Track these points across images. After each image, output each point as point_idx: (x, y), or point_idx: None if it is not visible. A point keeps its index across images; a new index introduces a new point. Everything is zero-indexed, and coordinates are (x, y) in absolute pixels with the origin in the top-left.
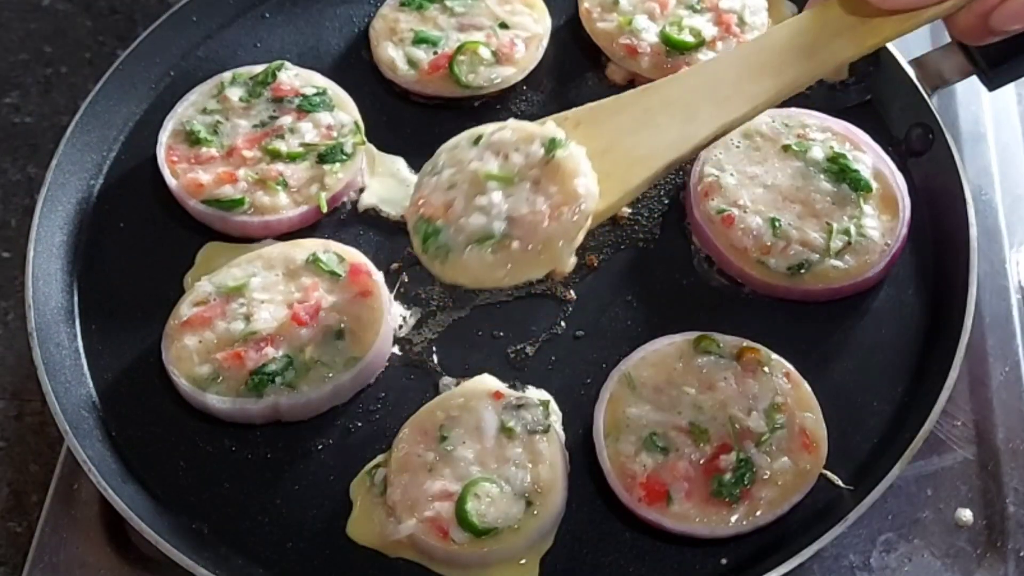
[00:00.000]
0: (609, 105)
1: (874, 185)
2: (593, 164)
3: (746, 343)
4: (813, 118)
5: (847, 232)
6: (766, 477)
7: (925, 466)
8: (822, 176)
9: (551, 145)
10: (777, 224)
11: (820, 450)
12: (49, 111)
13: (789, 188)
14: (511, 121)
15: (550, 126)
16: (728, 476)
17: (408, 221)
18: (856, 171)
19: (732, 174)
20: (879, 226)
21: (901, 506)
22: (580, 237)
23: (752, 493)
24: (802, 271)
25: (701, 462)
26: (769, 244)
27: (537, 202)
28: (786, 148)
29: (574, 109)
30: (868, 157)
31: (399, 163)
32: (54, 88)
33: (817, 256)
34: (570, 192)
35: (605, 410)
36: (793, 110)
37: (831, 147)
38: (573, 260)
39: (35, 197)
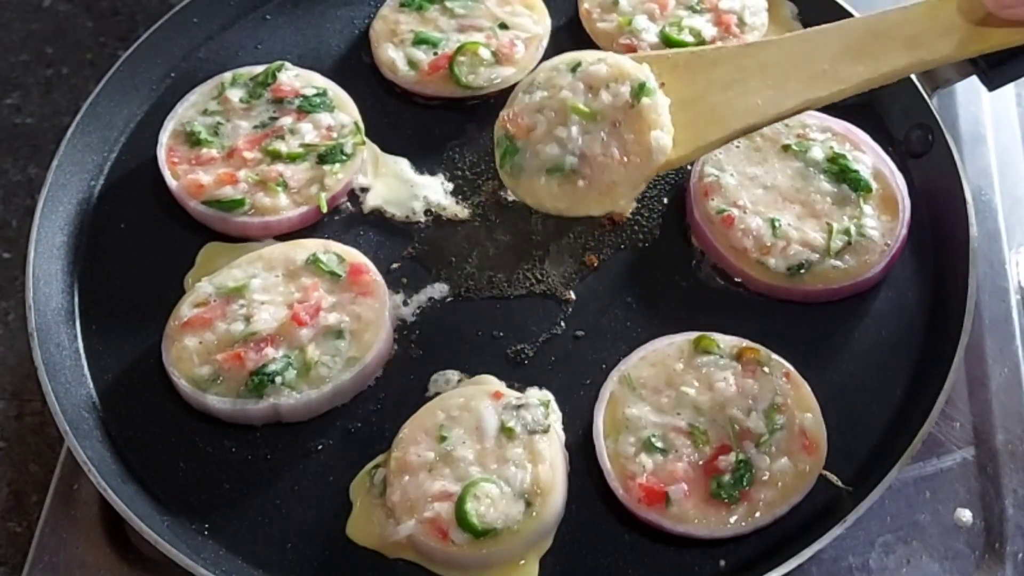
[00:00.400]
0: (709, 55)
1: (874, 185)
2: (676, 113)
3: (746, 343)
4: (813, 118)
5: (847, 232)
6: (765, 478)
7: (924, 468)
8: (822, 176)
9: (639, 91)
10: (777, 224)
11: (820, 451)
12: (50, 112)
13: (789, 188)
14: (610, 55)
15: (645, 68)
16: (727, 477)
17: (495, 133)
18: (856, 171)
19: (732, 174)
20: (879, 226)
21: (900, 508)
22: (642, 187)
23: (751, 494)
24: (802, 271)
25: (700, 463)
26: (769, 244)
27: (611, 146)
28: (786, 148)
29: (676, 50)
30: (868, 157)
31: (403, 163)
32: (55, 89)
33: (817, 256)
34: (644, 143)
35: (605, 411)
36: None
37: (831, 147)
38: (632, 205)
39: (36, 198)
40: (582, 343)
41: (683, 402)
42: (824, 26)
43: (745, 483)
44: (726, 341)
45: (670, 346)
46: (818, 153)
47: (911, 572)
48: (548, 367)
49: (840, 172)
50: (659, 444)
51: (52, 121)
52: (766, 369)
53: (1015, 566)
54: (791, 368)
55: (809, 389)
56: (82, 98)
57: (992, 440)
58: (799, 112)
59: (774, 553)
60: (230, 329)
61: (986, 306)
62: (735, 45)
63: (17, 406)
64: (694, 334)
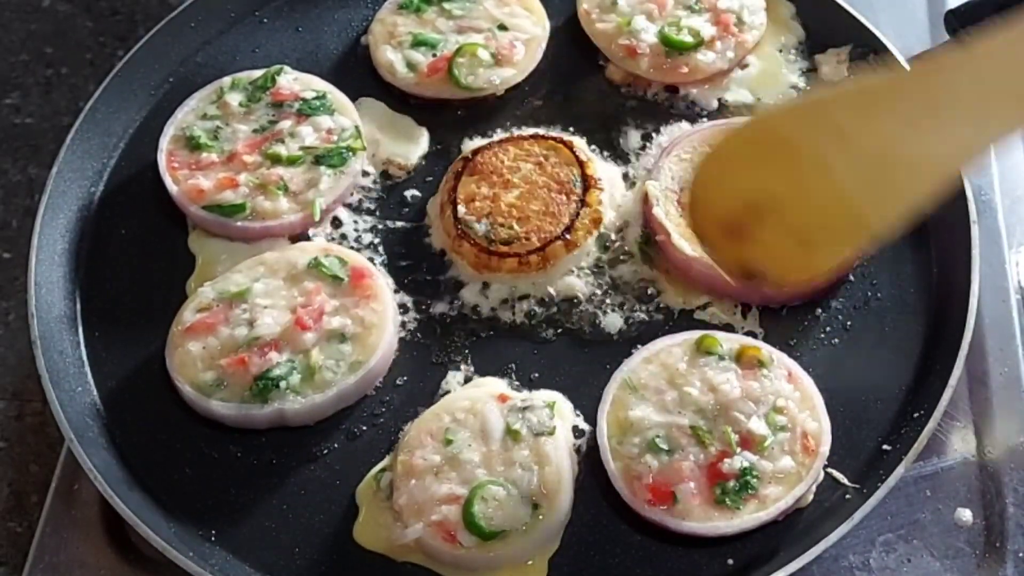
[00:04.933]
0: (882, 90)
1: None
2: (857, 172)
3: (748, 342)
4: None
5: None
6: (769, 480)
7: (924, 467)
8: None
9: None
10: None
11: (822, 450)
12: (50, 112)
13: None
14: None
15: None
16: (732, 483)
17: None
18: None
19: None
20: None
21: (900, 507)
22: None
23: (756, 495)
24: None
25: (705, 463)
26: None
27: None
28: None
29: (831, 91)
30: None
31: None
32: (55, 89)
33: None
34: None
35: (608, 413)
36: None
37: None
38: None
39: (36, 198)
40: (586, 344)
41: (686, 402)
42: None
43: (750, 490)
44: (728, 340)
45: (672, 346)
46: None
47: (912, 571)
48: (553, 368)
49: None
50: (664, 444)
51: (52, 121)
52: (767, 370)
53: (1016, 565)
54: (794, 366)
55: (813, 386)
56: (82, 98)
57: (992, 439)
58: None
59: (781, 551)
60: (233, 334)
61: (986, 306)
62: (908, 72)
63: (17, 406)
64: (697, 333)
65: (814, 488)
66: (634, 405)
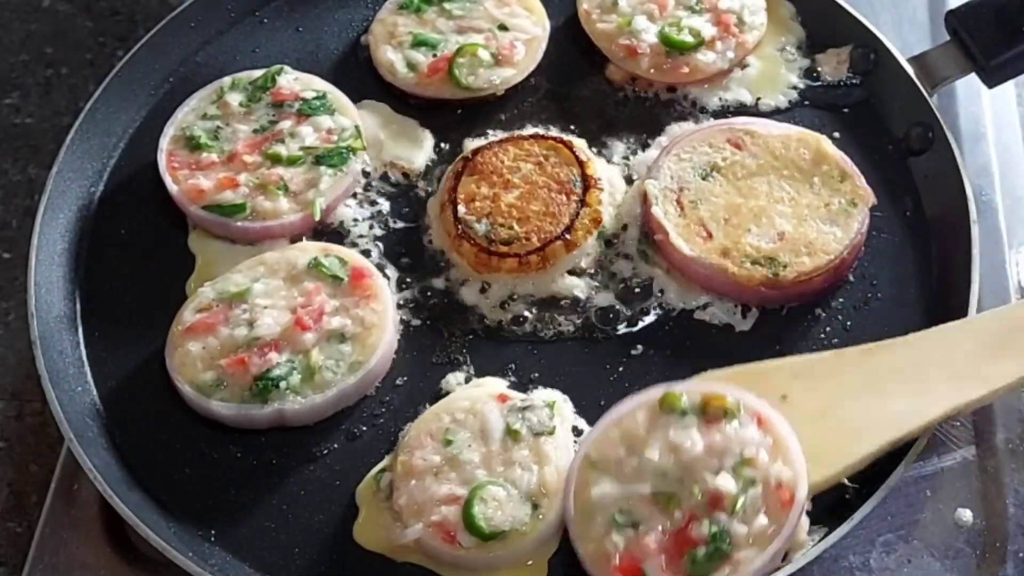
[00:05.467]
0: (830, 361)
1: None
2: (807, 429)
3: (711, 391)
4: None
5: None
6: (742, 543)
7: (924, 467)
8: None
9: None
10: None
11: (798, 496)
12: (50, 112)
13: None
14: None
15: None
16: (701, 552)
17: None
18: None
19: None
20: None
21: (900, 507)
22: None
23: (729, 560)
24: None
25: (673, 531)
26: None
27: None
28: None
29: (790, 359)
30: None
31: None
32: (55, 89)
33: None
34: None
35: (572, 495)
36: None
37: None
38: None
39: (36, 198)
40: (587, 344)
41: (646, 468)
42: (950, 324)
43: (720, 556)
44: (691, 393)
45: (636, 409)
46: None
47: (912, 571)
48: (554, 368)
49: None
50: (622, 519)
51: (52, 121)
52: (734, 420)
53: (1016, 565)
54: (763, 409)
55: (786, 427)
56: (82, 98)
57: (993, 439)
58: (947, 418)
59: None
60: (233, 334)
61: (986, 305)
62: (854, 350)
63: (17, 406)
64: (660, 390)
65: (805, 529)
66: (594, 482)
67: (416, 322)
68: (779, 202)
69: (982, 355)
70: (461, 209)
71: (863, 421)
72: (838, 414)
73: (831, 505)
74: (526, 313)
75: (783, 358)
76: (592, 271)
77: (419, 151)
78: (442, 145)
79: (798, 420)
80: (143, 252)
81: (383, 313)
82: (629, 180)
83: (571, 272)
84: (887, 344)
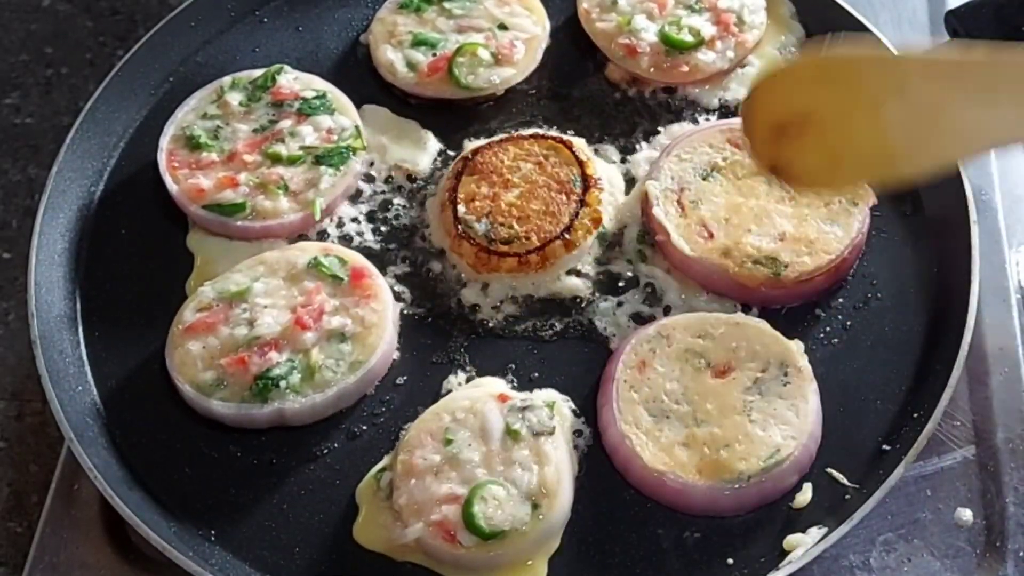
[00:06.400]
0: (951, 62)
1: None
2: (904, 120)
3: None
4: None
5: None
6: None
7: (924, 466)
8: None
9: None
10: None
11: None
12: (50, 112)
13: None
14: None
15: None
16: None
17: None
18: None
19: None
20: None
21: (900, 506)
22: None
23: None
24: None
25: None
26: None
27: None
28: None
29: (903, 54)
30: None
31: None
32: (55, 89)
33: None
34: None
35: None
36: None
37: None
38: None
39: (36, 198)
40: (587, 344)
41: None
42: None
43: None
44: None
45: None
46: None
47: (912, 570)
48: (554, 368)
49: None
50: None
51: (52, 121)
52: None
53: (1016, 564)
54: None
55: None
56: (82, 98)
57: (993, 438)
58: None
59: (781, 551)
60: (233, 333)
61: (986, 305)
62: (977, 55)
63: (17, 406)
64: None
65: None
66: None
67: (416, 322)
68: (780, 202)
69: None
70: (461, 209)
71: (966, 126)
72: (945, 118)
73: (831, 505)
74: (526, 313)
75: (898, 53)
76: (592, 271)
77: (423, 153)
78: (442, 145)
79: (912, 115)
80: (143, 252)
81: (383, 313)
82: (629, 180)
83: (571, 272)
84: (1008, 55)
